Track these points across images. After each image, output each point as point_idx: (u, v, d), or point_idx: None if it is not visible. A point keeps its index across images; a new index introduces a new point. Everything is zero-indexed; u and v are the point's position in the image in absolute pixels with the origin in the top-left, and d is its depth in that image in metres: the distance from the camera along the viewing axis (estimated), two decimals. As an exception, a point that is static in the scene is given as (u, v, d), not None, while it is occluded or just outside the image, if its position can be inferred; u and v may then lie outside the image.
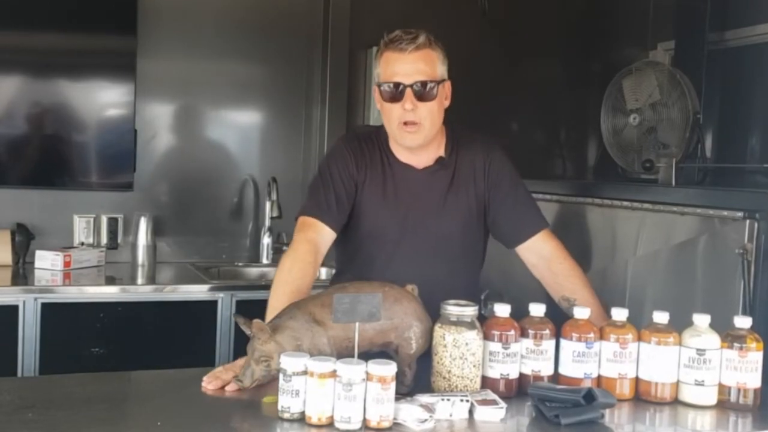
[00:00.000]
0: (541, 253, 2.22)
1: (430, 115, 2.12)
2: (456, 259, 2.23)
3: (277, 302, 1.92)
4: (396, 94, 2.10)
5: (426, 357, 1.81)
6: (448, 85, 2.18)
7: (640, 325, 1.91)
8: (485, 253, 2.32)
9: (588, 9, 4.23)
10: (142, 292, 3.25)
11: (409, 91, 2.09)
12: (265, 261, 3.83)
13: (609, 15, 4.16)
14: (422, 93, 2.10)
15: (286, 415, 1.62)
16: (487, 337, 1.83)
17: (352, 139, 2.27)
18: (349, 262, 2.28)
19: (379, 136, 2.24)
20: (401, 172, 2.21)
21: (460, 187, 2.22)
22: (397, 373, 1.61)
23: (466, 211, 2.23)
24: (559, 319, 1.92)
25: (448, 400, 1.68)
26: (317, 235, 2.12)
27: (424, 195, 2.21)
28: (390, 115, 2.14)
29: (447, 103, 2.19)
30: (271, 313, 1.89)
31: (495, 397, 1.75)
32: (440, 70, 2.14)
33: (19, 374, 2.96)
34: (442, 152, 2.23)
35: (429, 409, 1.64)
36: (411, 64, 2.09)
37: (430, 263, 2.17)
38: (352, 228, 2.22)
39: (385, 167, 2.21)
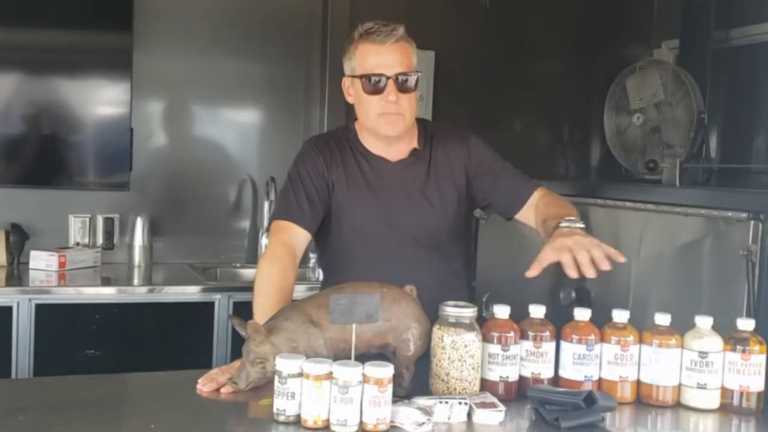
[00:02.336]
0: (534, 204, 2.21)
1: (410, 106, 2.14)
2: (441, 248, 2.22)
3: (263, 304, 1.92)
4: (378, 86, 2.10)
5: (424, 359, 1.79)
6: (419, 77, 2.19)
7: (643, 327, 1.88)
8: (470, 234, 2.34)
9: (591, 7, 4.21)
10: (138, 293, 3.23)
11: (391, 82, 2.10)
12: (263, 262, 3.80)
13: (613, 13, 4.14)
14: (404, 85, 2.11)
15: (282, 418, 1.60)
16: (486, 338, 1.81)
17: (319, 140, 2.29)
18: (338, 264, 2.25)
19: (346, 133, 2.25)
20: (375, 164, 2.21)
21: (439, 179, 2.22)
22: (394, 375, 1.59)
23: (448, 201, 2.23)
24: (559, 321, 1.89)
25: (447, 402, 1.66)
26: (291, 238, 2.12)
27: (401, 187, 2.20)
28: (368, 107, 2.14)
29: (419, 95, 2.21)
30: (258, 315, 1.87)
31: (494, 399, 1.73)
32: (415, 61, 2.16)
33: (13, 376, 2.93)
34: (415, 144, 2.23)
35: (427, 412, 1.62)
36: (391, 55, 2.10)
37: (417, 254, 2.17)
38: (335, 229, 2.20)
39: (358, 161, 2.21)
